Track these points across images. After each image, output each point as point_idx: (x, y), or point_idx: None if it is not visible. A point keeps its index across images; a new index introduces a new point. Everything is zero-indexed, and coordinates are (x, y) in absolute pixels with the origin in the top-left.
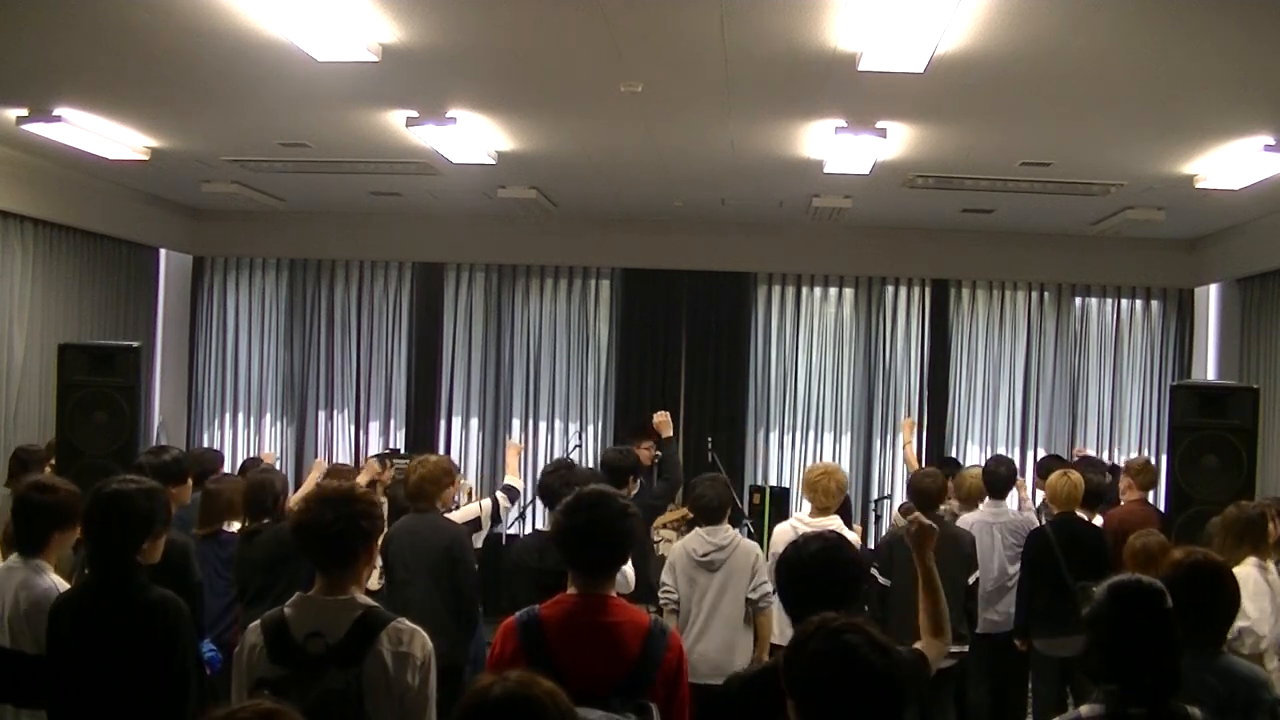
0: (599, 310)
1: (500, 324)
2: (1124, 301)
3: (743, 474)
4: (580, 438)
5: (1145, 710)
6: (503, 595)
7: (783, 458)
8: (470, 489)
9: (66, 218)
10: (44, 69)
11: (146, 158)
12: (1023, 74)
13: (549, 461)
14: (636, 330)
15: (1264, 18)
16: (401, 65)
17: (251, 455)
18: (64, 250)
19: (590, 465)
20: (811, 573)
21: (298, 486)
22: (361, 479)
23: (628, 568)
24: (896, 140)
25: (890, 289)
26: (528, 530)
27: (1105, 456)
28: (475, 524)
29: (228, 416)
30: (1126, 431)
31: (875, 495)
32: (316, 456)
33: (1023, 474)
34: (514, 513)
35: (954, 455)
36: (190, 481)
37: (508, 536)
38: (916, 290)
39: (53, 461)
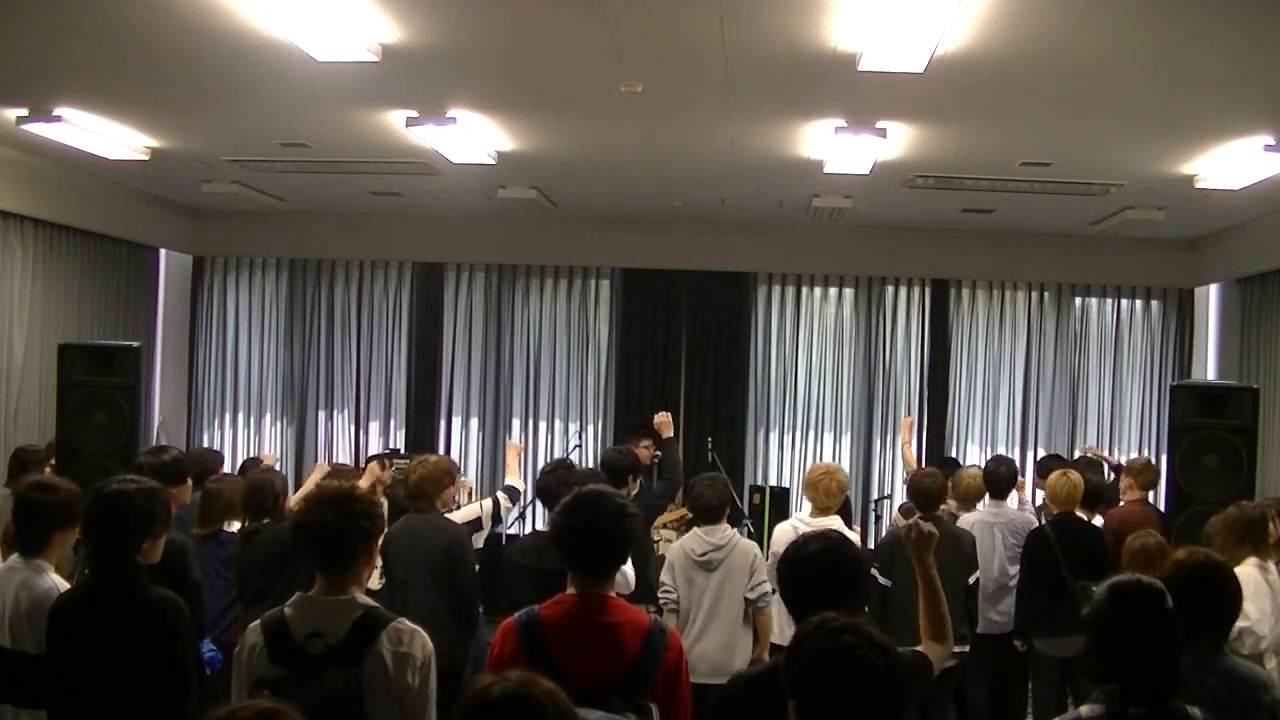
0: (599, 310)
1: (500, 324)
2: (1124, 301)
3: (743, 474)
4: (580, 438)
5: (1145, 710)
6: (502, 595)
7: (783, 458)
8: (470, 488)
9: (66, 218)
10: (44, 69)
11: (146, 158)
12: (1023, 74)
13: (548, 461)
14: (636, 330)
15: (1264, 18)
16: (401, 65)
17: (251, 455)
18: (64, 250)
19: (590, 465)
20: (813, 572)
21: (298, 487)
22: (363, 483)
23: (628, 568)
24: (896, 140)
25: (890, 289)
26: (528, 531)
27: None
28: (476, 524)
29: (228, 416)
30: (1126, 431)
31: (875, 495)
32: (317, 456)
33: (1022, 474)
34: (514, 513)
35: (954, 455)
36: (190, 481)
37: (508, 536)
38: (916, 290)
39: (53, 461)
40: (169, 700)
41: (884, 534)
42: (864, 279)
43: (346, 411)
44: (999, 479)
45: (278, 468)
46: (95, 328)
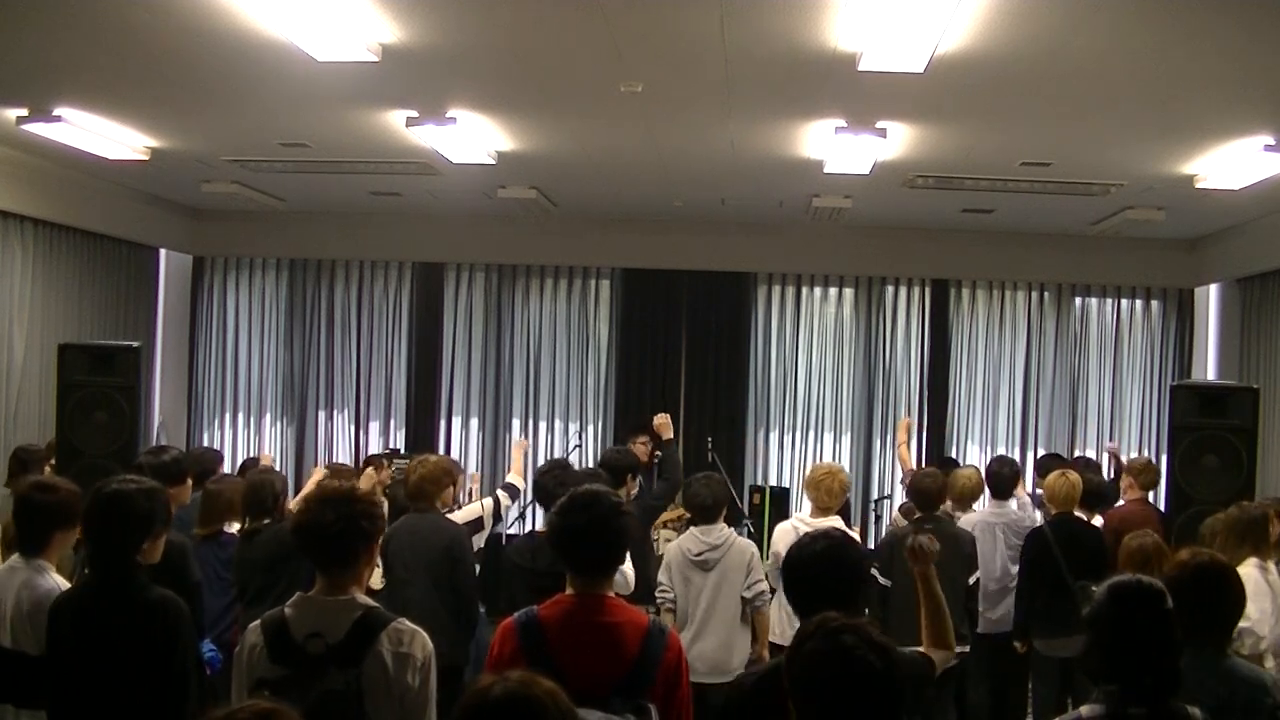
0: (599, 310)
1: (500, 324)
2: (1124, 301)
3: (743, 474)
4: (580, 438)
5: (1145, 710)
6: (502, 595)
7: (783, 458)
8: (477, 480)
9: (66, 218)
10: (44, 69)
11: (146, 158)
12: (1023, 74)
13: (546, 461)
14: (636, 330)
15: (1264, 18)
16: (401, 65)
17: (251, 455)
18: (64, 250)
19: (590, 465)
20: (816, 571)
21: (298, 488)
22: (363, 484)
23: (627, 568)
24: (896, 140)
25: (890, 289)
26: (526, 531)
27: (1106, 457)
28: (477, 524)
29: (228, 416)
30: (1126, 431)
31: (875, 495)
32: (317, 456)
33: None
34: (515, 511)
35: (954, 455)
36: (190, 482)
37: (508, 536)
38: (916, 290)
39: (53, 461)
40: (169, 700)
41: (884, 534)
42: (864, 279)
43: (346, 411)
44: (1002, 479)
45: (277, 468)
46: (95, 328)
